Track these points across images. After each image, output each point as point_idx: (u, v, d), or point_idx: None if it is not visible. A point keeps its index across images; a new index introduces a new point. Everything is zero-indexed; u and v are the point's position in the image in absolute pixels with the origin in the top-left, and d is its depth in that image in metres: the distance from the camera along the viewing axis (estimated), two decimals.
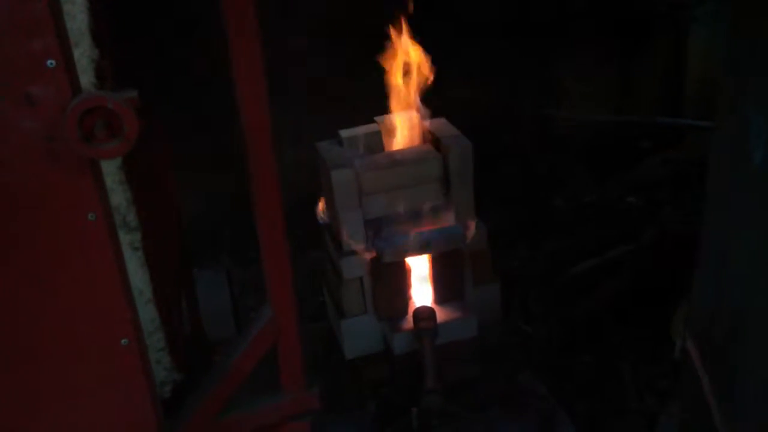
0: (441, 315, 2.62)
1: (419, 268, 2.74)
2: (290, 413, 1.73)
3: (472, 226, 2.67)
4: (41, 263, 1.32)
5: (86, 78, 1.41)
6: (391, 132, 2.81)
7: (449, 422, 2.41)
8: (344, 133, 2.76)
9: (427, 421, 2.38)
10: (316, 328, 2.94)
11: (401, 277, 2.67)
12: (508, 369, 2.74)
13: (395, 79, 2.75)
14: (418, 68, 2.70)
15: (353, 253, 2.60)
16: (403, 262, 2.64)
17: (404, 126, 2.81)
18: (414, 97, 2.76)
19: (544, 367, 2.82)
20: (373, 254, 2.60)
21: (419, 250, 2.58)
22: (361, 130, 2.79)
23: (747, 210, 1.44)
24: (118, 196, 1.52)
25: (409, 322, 2.63)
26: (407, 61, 2.70)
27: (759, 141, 1.29)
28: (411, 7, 2.60)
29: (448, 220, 2.65)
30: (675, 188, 3.53)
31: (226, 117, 1.56)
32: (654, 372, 2.70)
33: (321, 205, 2.87)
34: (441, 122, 2.81)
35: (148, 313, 1.63)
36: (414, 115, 2.78)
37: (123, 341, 1.39)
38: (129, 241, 1.56)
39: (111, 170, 1.49)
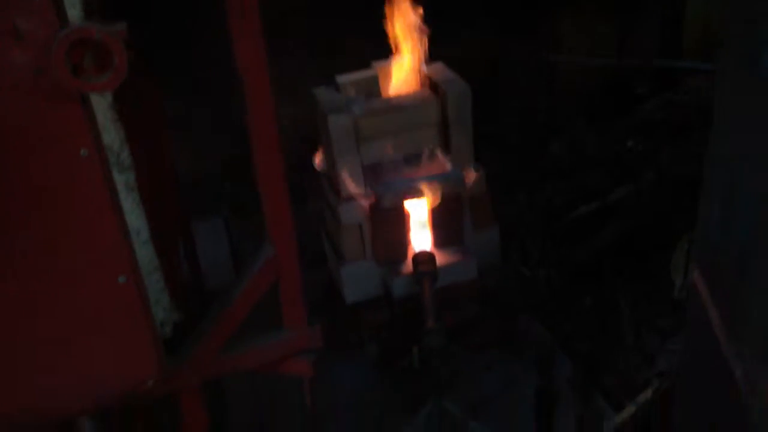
0: (440, 259, 2.62)
1: (418, 213, 2.74)
2: (293, 350, 1.74)
3: (471, 170, 2.66)
4: (34, 199, 1.31)
5: (74, 12, 1.38)
6: (388, 77, 2.78)
7: (449, 361, 2.44)
8: (341, 78, 2.73)
9: (427, 360, 2.41)
10: (317, 275, 2.95)
11: (400, 222, 2.67)
12: (507, 311, 2.76)
13: (394, 25, 2.70)
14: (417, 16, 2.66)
15: (352, 199, 2.59)
16: (402, 207, 2.64)
17: (402, 71, 2.77)
18: (414, 43, 2.71)
19: (543, 309, 2.85)
20: (372, 200, 2.59)
21: (418, 195, 2.58)
22: (359, 75, 2.75)
23: (757, 130, 1.40)
24: (111, 134, 1.50)
25: (408, 267, 2.64)
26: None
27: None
28: None
29: (447, 164, 2.64)
30: (673, 131, 3.50)
31: (227, 77, 1.53)
32: (653, 311, 2.72)
33: (318, 155, 2.85)
34: (439, 67, 2.77)
35: (146, 253, 1.62)
36: (412, 60, 2.75)
37: (120, 278, 1.38)
38: (124, 180, 1.54)
39: (103, 108, 1.47)
